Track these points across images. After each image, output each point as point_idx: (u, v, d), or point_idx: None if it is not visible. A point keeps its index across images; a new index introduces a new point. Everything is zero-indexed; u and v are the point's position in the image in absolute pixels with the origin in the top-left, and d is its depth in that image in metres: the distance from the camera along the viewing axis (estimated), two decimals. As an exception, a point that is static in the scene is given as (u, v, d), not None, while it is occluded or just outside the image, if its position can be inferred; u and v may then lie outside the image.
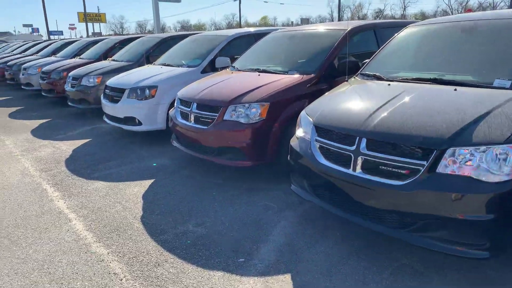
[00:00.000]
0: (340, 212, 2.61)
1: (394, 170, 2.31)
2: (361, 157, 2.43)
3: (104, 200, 3.68)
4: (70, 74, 7.83)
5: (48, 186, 4.09)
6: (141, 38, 8.73)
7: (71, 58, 10.52)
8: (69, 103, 7.84)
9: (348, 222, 2.75)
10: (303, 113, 3.15)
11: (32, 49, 15.08)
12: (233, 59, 5.68)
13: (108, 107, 5.83)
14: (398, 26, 4.97)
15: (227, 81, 4.32)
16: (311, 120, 2.93)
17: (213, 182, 4.00)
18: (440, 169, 2.16)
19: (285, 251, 2.70)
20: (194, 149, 4.15)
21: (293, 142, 3.09)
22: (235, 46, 6.22)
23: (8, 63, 12.65)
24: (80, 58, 9.89)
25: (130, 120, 5.51)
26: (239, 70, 4.78)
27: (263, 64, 4.78)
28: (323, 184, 2.71)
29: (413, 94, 2.68)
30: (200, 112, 4.00)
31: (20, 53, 15.62)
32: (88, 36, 42.61)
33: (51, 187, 4.06)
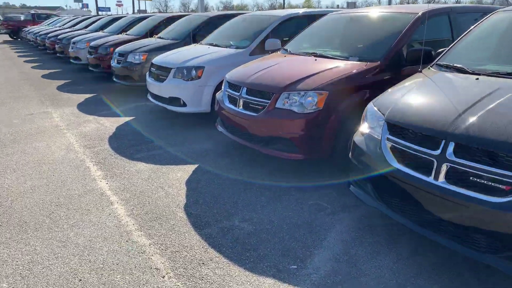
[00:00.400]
0: (412, 224, 2.26)
1: (489, 183, 1.92)
2: (447, 165, 2.06)
3: (147, 184, 3.53)
4: (117, 50, 7.79)
5: (91, 164, 4.01)
6: (187, 16, 8.52)
7: (118, 34, 10.56)
8: (114, 79, 7.83)
9: (417, 234, 2.40)
10: (370, 106, 2.78)
11: (81, 23, 15.41)
12: (283, 42, 5.33)
13: (153, 86, 5.69)
14: (477, 11, 4.41)
15: (280, 65, 4.00)
16: (382, 115, 2.56)
17: (260, 173, 3.74)
18: (554, 188, 1.75)
19: (343, 261, 2.40)
20: (240, 137, 3.89)
21: (357, 138, 2.74)
22: (287, 28, 5.85)
23: (58, 37, 12.97)
24: (126, 34, 9.88)
25: (174, 101, 5.34)
26: (293, 54, 4.42)
27: (319, 47, 4.40)
28: (393, 190, 2.37)
29: (513, 92, 2.24)
30: (250, 97, 3.71)
31: (70, 27, 16.02)
32: (134, 13, 43.37)
33: (94, 165, 3.98)
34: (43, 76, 10.02)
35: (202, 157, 4.20)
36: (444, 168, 2.06)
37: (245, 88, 3.79)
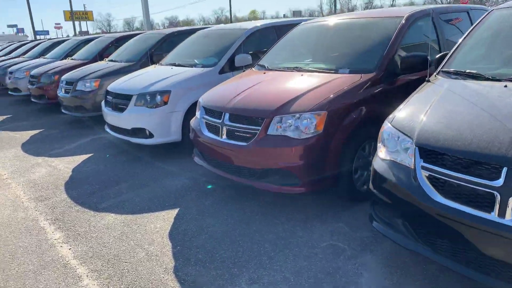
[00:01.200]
0: (471, 272, 1.84)
1: None
2: (514, 198, 1.67)
3: (121, 244, 2.87)
4: (63, 78, 6.94)
5: (47, 223, 3.27)
6: (141, 35, 7.84)
7: (62, 59, 9.60)
8: (63, 111, 6.97)
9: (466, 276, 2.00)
10: (387, 126, 2.37)
11: (18, 50, 14.07)
12: (252, 57, 4.92)
13: (111, 117, 4.98)
14: (457, 11, 4.24)
15: (264, 84, 3.52)
16: (408, 137, 2.15)
17: (254, 211, 3.22)
18: None
19: (390, 325, 1.94)
20: (226, 170, 3.35)
21: (378, 165, 2.31)
22: (255, 41, 5.41)
23: (-8, 67, 11.64)
24: (72, 59, 8.97)
25: (139, 132, 4.68)
26: (271, 70, 3.96)
27: (300, 61, 4.00)
28: (438, 230, 1.95)
29: None
30: (236, 124, 3.19)
31: (5, 55, 14.58)
32: (75, 35, 41.23)
33: (51, 225, 3.24)
34: (-23, 113, 8.82)
35: (181, 198, 3.60)
36: (511, 202, 1.67)
37: (228, 114, 3.26)
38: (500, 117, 1.95)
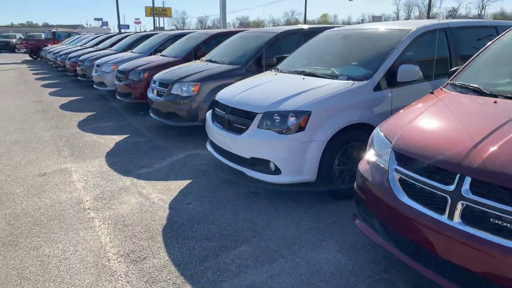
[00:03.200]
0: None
1: None
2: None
3: None
4: (156, 77, 5.98)
5: (146, 318, 2.07)
6: (243, 33, 6.68)
7: (150, 54, 8.86)
8: (152, 115, 6.01)
9: None
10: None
11: (105, 42, 13.91)
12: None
13: (221, 137, 3.78)
14: None
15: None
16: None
17: None
18: None
19: None
20: (459, 280, 1.89)
21: None
22: (417, 48, 3.90)
23: (80, 58, 11.39)
24: (162, 55, 8.13)
25: (260, 164, 3.41)
26: (499, 95, 2.39)
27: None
28: None
29: None
30: (493, 205, 1.70)
31: (92, 46, 14.54)
32: (153, 30, 42.42)
33: (152, 323, 2.04)
34: (62, 107, 8.32)
35: (348, 295, 2.22)
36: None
37: (470, 179, 1.80)
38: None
